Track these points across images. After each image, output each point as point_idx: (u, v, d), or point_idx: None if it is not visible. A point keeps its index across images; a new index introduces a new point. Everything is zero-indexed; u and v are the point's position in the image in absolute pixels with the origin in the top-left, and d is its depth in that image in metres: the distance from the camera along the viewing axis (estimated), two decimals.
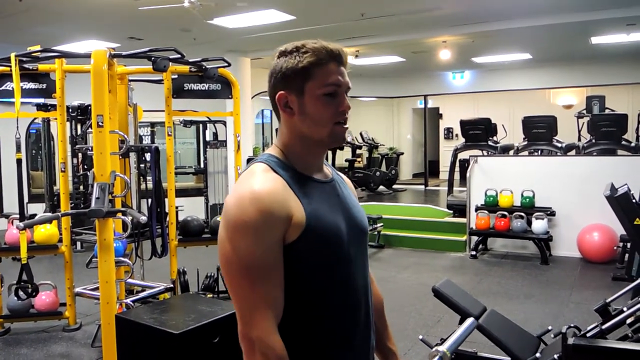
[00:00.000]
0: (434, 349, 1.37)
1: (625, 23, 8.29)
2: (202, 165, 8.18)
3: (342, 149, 12.22)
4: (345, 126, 1.35)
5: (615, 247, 6.77)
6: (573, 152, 8.64)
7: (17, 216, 4.88)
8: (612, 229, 6.80)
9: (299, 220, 1.25)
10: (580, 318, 4.71)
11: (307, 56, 1.29)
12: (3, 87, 4.78)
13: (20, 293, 4.60)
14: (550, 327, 3.58)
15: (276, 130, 1.43)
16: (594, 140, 8.22)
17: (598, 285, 5.97)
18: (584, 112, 9.79)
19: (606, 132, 8.05)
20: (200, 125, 9.51)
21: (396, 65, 12.36)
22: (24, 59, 4.58)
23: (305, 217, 1.25)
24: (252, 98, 10.87)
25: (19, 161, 4.84)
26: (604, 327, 2.81)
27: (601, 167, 7.27)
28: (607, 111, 9.54)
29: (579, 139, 9.65)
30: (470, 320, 1.53)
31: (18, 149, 4.78)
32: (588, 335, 2.77)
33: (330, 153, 11.96)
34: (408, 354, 4.23)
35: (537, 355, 3.22)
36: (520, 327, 3.66)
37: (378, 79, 14.48)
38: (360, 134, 13.07)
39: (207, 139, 9.25)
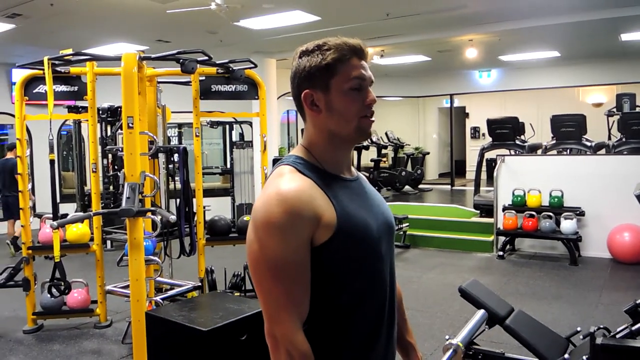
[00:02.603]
0: (447, 342, 1.38)
1: None
2: (228, 166, 8.27)
3: (367, 148, 12.20)
4: (372, 119, 1.36)
5: None
6: (603, 151, 8.50)
7: (50, 216, 5.00)
8: None
9: (330, 220, 1.25)
10: (610, 319, 4.63)
11: (330, 53, 1.31)
12: (36, 90, 4.91)
13: (53, 290, 4.72)
14: (579, 329, 3.53)
15: (302, 130, 1.44)
16: (624, 139, 8.06)
17: (628, 287, 5.87)
18: (614, 110, 9.60)
19: (637, 131, 7.88)
20: (227, 126, 9.59)
21: (422, 64, 12.29)
22: (57, 62, 4.69)
23: (337, 218, 1.26)
24: (277, 99, 10.93)
25: (52, 162, 4.96)
26: (633, 328, 2.78)
27: (632, 166, 7.12)
28: (637, 109, 9.35)
29: (609, 138, 9.48)
30: (481, 312, 1.53)
31: (51, 150, 4.90)
32: (617, 336, 2.74)
33: (355, 153, 11.97)
34: (435, 353, 4.21)
35: (566, 356, 3.18)
36: (548, 328, 3.62)
37: (403, 78, 14.42)
38: (386, 134, 13.03)
39: (234, 139, 9.34)
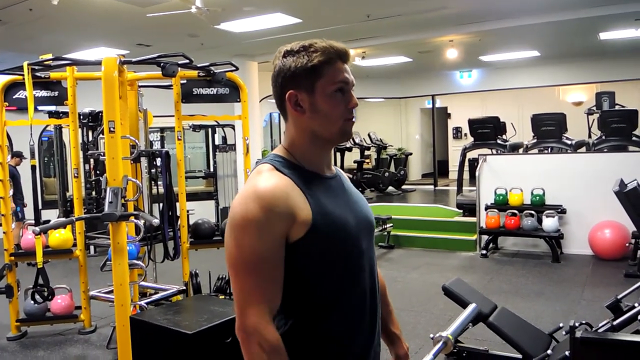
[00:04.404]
0: (437, 334, 1.41)
1: (634, 18, 8.24)
2: (211, 169, 8.23)
3: (350, 150, 12.24)
4: (353, 120, 1.39)
5: (627, 244, 6.74)
6: (583, 149, 8.61)
7: (32, 222, 4.95)
8: (623, 226, 6.78)
9: (305, 218, 1.28)
10: (593, 315, 4.70)
11: (317, 55, 1.33)
12: (16, 96, 4.85)
13: (37, 297, 4.68)
14: (561, 325, 3.57)
15: (285, 132, 1.47)
16: (604, 137, 8.19)
17: (610, 283, 5.95)
18: (594, 108, 9.74)
19: (616, 129, 8.01)
20: (209, 129, 9.57)
21: (403, 65, 12.37)
22: (36, 67, 4.65)
23: (312, 215, 1.29)
24: (260, 101, 10.92)
25: (33, 168, 4.91)
26: (615, 323, 2.83)
27: (612, 164, 7.23)
28: (617, 107, 9.49)
29: (589, 136, 9.61)
30: (472, 305, 1.56)
31: (32, 156, 4.86)
32: (599, 331, 2.78)
33: (339, 155, 12.00)
34: (419, 352, 4.24)
35: (549, 352, 3.22)
36: (531, 325, 3.67)
37: (385, 79, 14.49)
38: (369, 135, 13.08)
39: (216, 142, 9.30)
